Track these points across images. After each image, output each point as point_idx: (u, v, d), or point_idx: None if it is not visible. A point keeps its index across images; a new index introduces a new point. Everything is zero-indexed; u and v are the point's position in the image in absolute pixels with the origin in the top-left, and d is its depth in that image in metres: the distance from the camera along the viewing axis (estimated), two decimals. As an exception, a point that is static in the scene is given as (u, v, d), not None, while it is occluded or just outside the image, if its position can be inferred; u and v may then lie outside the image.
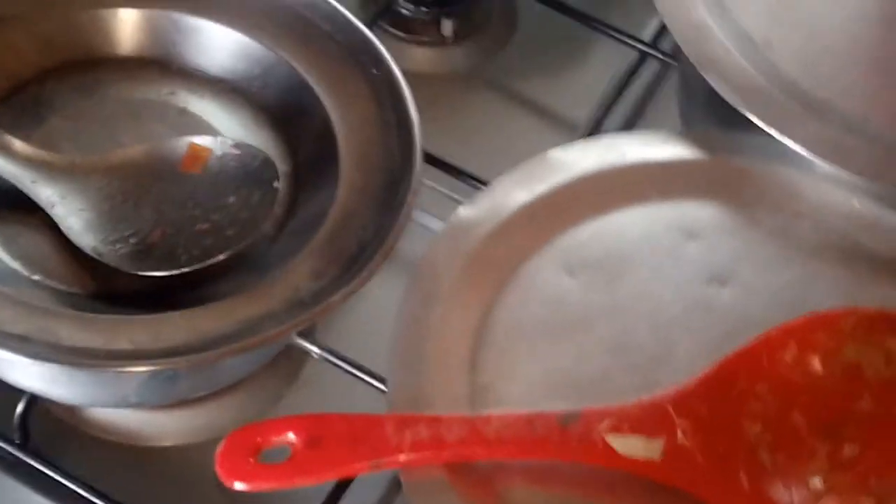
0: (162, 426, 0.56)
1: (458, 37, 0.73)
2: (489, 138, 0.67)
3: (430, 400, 0.48)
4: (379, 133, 0.54)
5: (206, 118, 0.55)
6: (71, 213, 0.50)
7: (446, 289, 0.51)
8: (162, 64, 0.57)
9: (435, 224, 0.58)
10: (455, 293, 0.51)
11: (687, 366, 0.48)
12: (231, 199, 0.51)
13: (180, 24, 0.56)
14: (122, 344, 0.45)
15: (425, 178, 0.55)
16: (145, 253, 0.50)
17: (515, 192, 0.55)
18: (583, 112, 0.67)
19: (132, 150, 0.52)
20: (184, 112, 0.55)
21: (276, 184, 0.51)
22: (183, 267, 0.49)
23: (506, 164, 0.57)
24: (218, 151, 0.52)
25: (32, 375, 0.50)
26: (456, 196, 0.59)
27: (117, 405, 0.54)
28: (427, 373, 0.49)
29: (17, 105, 0.54)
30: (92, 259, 0.49)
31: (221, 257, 0.50)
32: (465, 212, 0.54)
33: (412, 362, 0.49)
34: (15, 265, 0.49)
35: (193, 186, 0.51)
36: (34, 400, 0.52)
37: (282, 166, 0.54)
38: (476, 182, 0.59)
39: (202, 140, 0.52)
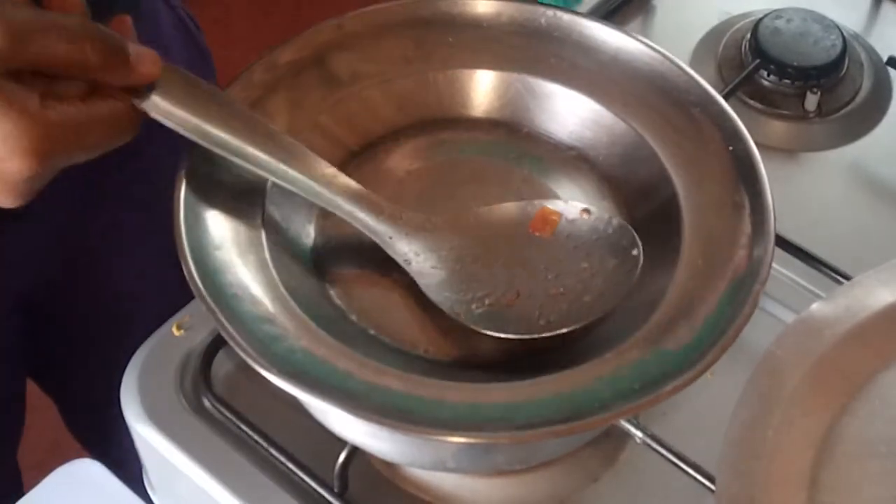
0: (476, 492, 0.55)
1: (822, 112, 0.69)
2: (850, 227, 0.62)
3: (762, 510, 0.44)
4: (728, 215, 0.50)
5: (549, 184, 0.54)
6: (424, 270, 0.50)
7: (790, 391, 0.47)
8: (511, 127, 0.56)
9: (783, 313, 0.55)
10: (799, 398, 0.46)
11: None
12: (584, 265, 0.50)
13: (535, 88, 0.56)
14: (443, 412, 0.45)
15: (775, 263, 0.51)
16: (501, 315, 0.49)
17: (879, 291, 0.50)
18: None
19: (483, 211, 0.52)
20: (528, 178, 0.55)
21: (635, 251, 0.49)
22: (541, 332, 0.48)
23: (869, 258, 0.52)
24: (569, 216, 0.51)
25: (356, 429, 0.50)
26: (808, 286, 0.55)
27: (434, 468, 0.53)
28: (761, 481, 0.45)
29: (369, 160, 0.55)
30: (427, 320, 0.49)
31: (578, 326, 0.48)
32: (819, 308, 0.50)
33: (746, 467, 0.45)
34: (352, 317, 0.50)
35: (544, 250, 0.50)
36: (355, 451, 0.53)
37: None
38: (834, 274, 0.54)
39: (553, 205, 0.51)
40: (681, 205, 0.51)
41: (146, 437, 0.56)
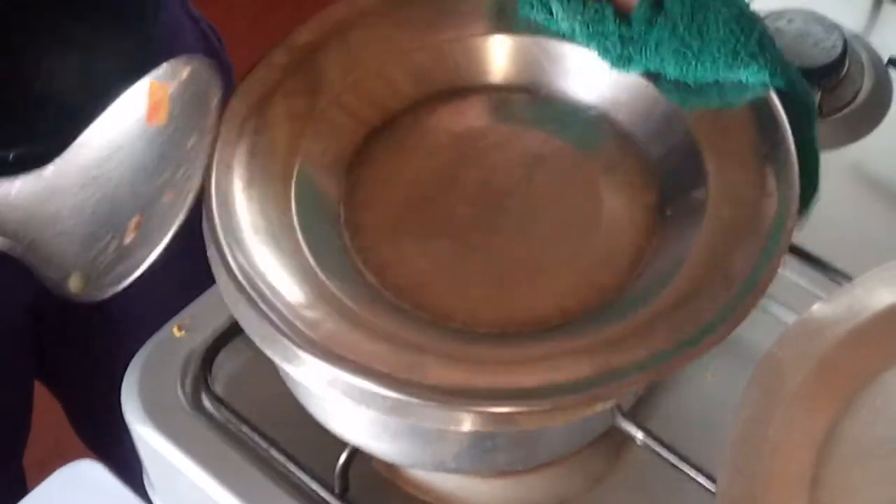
0: (476, 493, 0.55)
1: (823, 113, 0.69)
2: (851, 227, 0.62)
3: (763, 511, 0.44)
4: (752, 169, 0.50)
5: (570, 146, 0.54)
6: None
7: (791, 392, 0.47)
8: (530, 91, 0.56)
9: (783, 313, 0.54)
10: (800, 398, 0.46)
11: None
12: None
13: (550, 50, 0.55)
14: (482, 382, 0.45)
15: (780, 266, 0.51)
16: None
17: (880, 292, 0.50)
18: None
19: None
20: (549, 140, 0.54)
21: None
22: None
23: (869, 258, 0.52)
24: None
25: (357, 429, 0.50)
26: (809, 286, 0.55)
27: (435, 468, 0.53)
28: (763, 481, 0.45)
29: (392, 135, 0.54)
30: (461, 292, 0.49)
31: None
32: (821, 309, 0.50)
33: (747, 467, 0.45)
34: (387, 294, 0.49)
35: None
36: (356, 452, 0.53)
37: (645, 198, 0.52)
38: (836, 275, 0.54)
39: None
40: (704, 160, 0.51)
41: (147, 437, 0.56)
